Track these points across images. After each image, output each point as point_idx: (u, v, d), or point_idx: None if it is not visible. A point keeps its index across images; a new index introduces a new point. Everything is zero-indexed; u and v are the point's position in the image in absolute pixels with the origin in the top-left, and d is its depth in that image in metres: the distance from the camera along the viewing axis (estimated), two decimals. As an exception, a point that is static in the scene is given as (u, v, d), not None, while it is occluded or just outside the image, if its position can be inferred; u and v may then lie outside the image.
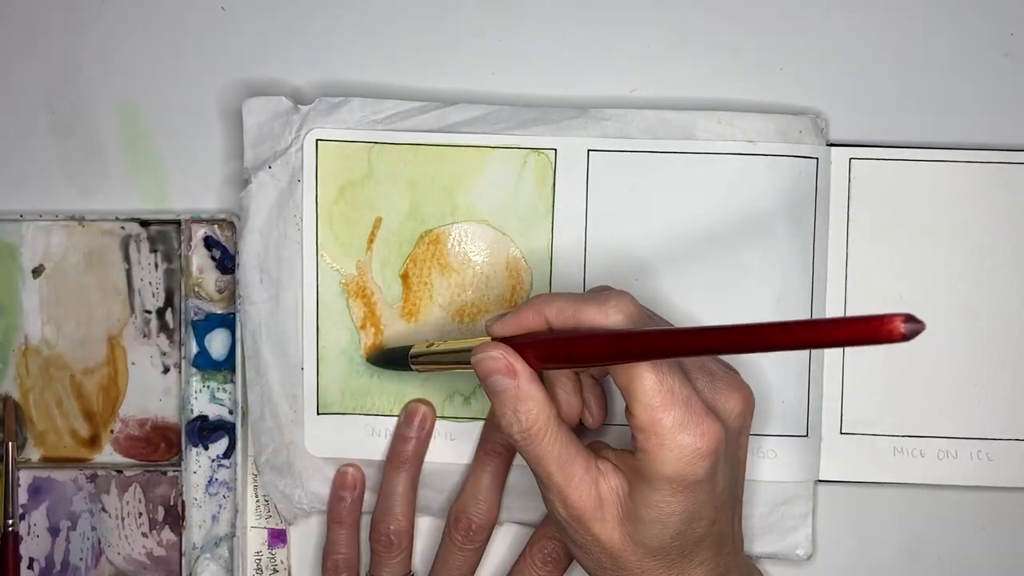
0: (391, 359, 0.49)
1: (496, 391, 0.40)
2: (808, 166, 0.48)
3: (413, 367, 0.46)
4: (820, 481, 0.50)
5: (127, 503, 0.52)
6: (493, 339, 0.42)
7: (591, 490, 0.40)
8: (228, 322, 0.51)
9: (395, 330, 0.49)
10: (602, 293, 0.40)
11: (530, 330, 0.41)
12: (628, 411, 0.39)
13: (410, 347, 0.47)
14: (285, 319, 0.49)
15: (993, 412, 0.49)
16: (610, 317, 0.39)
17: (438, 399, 0.50)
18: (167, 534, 0.52)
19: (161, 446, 0.52)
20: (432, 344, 0.46)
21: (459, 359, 0.44)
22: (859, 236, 0.49)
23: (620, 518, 0.40)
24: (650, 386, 0.38)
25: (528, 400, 0.40)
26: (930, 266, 0.49)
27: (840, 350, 0.49)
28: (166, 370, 0.52)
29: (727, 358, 0.43)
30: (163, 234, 0.51)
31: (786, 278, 0.48)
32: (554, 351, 0.40)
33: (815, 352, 0.49)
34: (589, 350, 0.38)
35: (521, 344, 0.41)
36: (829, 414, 0.49)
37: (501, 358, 0.40)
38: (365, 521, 0.50)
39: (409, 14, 0.51)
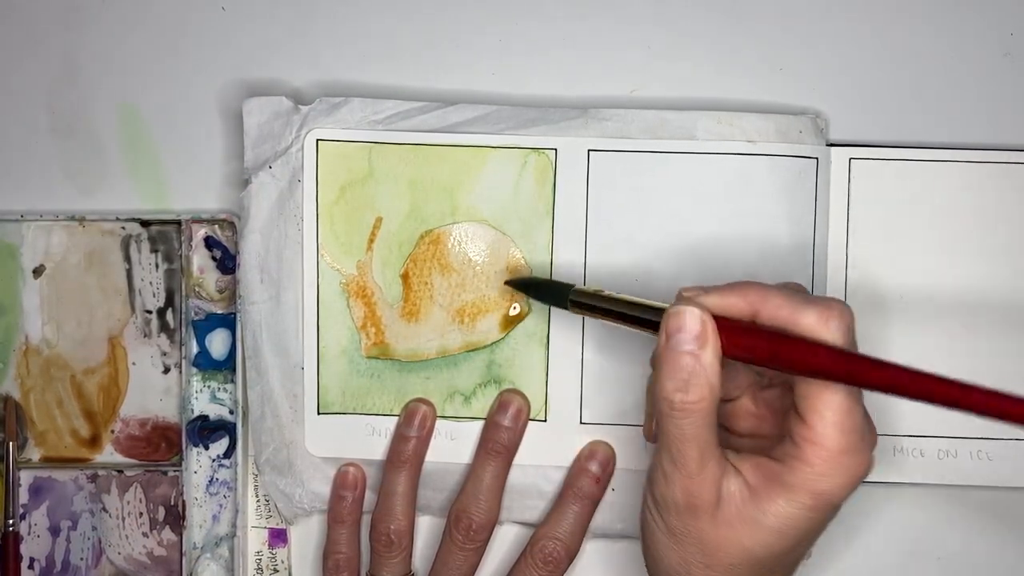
0: (541, 289, 0.47)
1: (677, 350, 0.38)
2: (808, 166, 0.48)
3: (571, 308, 0.44)
4: (820, 481, 0.50)
5: (128, 503, 0.52)
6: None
7: (716, 485, 0.39)
8: (229, 322, 0.51)
9: (395, 330, 0.49)
10: (823, 300, 0.38)
11: (729, 314, 0.39)
12: (799, 419, 0.38)
13: (571, 285, 0.45)
14: (285, 319, 0.49)
15: (993, 412, 0.49)
16: (832, 330, 0.37)
17: (438, 399, 0.50)
18: (168, 534, 0.52)
19: (162, 446, 0.52)
20: (602, 290, 0.43)
21: (633, 315, 0.41)
22: (859, 236, 0.49)
23: (734, 519, 0.39)
24: (841, 407, 0.37)
25: (705, 374, 0.38)
26: (930, 266, 0.49)
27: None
28: (167, 370, 0.52)
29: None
30: (163, 234, 0.51)
31: (786, 278, 0.48)
32: (767, 348, 0.38)
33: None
34: (807, 359, 0.37)
35: (724, 324, 0.38)
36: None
37: (700, 322, 0.38)
38: (365, 521, 0.50)
39: (409, 14, 0.51)
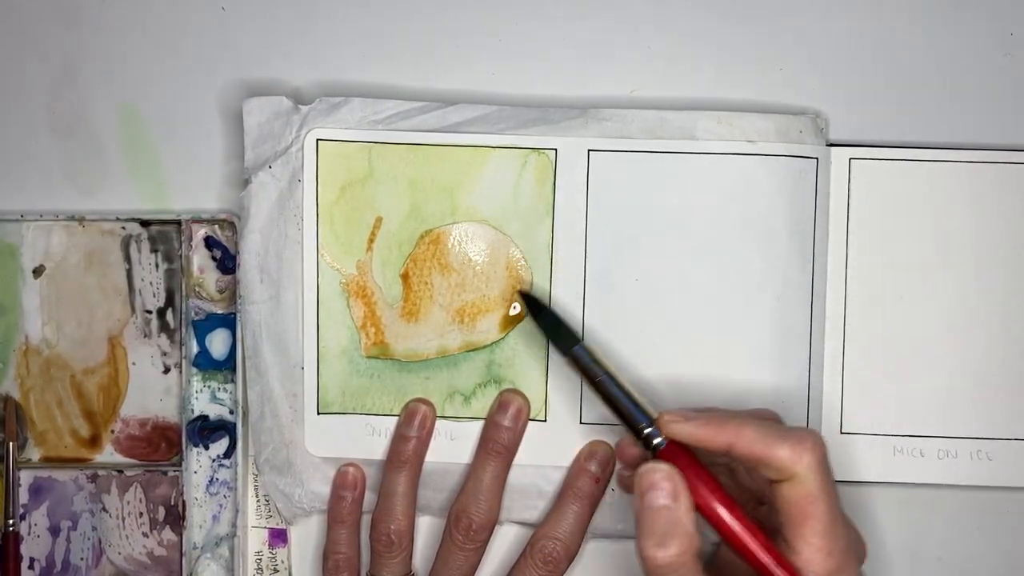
0: (548, 321, 0.47)
1: (650, 507, 0.40)
2: (808, 166, 0.48)
3: (567, 359, 0.45)
4: (820, 481, 0.50)
5: (128, 503, 0.52)
6: (667, 437, 0.41)
7: None
8: (229, 322, 0.51)
9: (395, 330, 0.49)
10: (796, 433, 0.40)
11: (707, 447, 0.40)
12: (786, 544, 0.40)
13: (579, 339, 0.45)
14: (285, 319, 0.49)
15: (993, 412, 0.49)
16: (805, 464, 0.39)
17: (438, 399, 0.50)
18: (168, 534, 0.52)
19: (162, 446, 0.52)
20: (601, 361, 0.44)
21: (619, 410, 0.43)
22: (859, 236, 0.49)
23: None
24: (824, 530, 0.39)
25: (681, 529, 0.39)
26: (930, 266, 0.49)
27: (840, 349, 0.49)
28: (167, 370, 0.52)
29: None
30: (164, 234, 0.51)
31: (786, 278, 0.48)
32: (714, 516, 0.40)
33: (815, 352, 0.49)
34: (739, 548, 0.40)
35: (691, 472, 0.40)
36: (829, 414, 0.49)
37: (670, 476, 0.40)
38: (365, 521, 0.50)
39: (409, 14, 0.51)
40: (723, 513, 0.40)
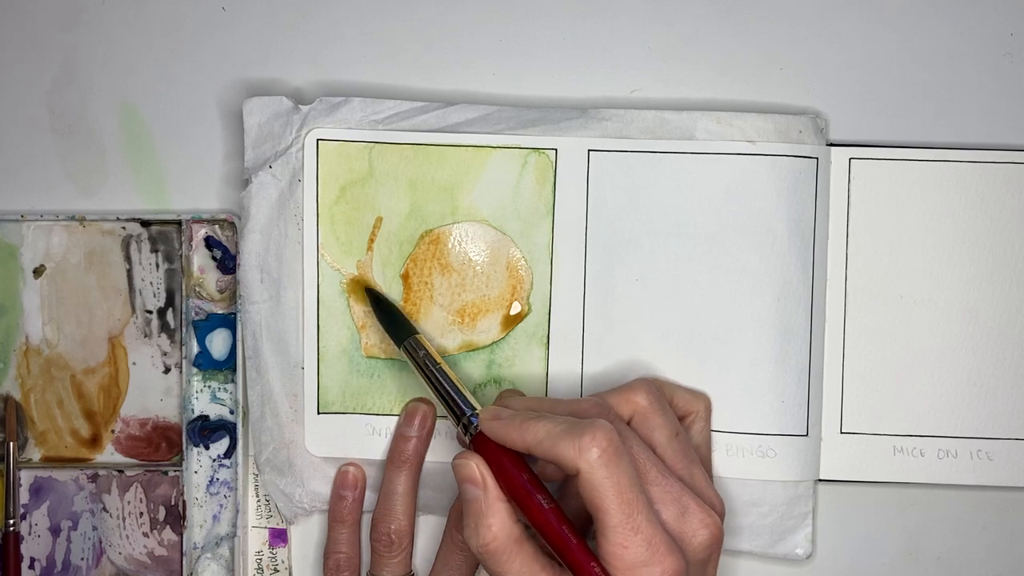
0: (387, 314, 0.48)
1: (465, 499, 0.41)
2: (808, 166, 0.48)
3: (403, 351, 0.47)
4: (820, 481, 0.50)
5: (128, 503, 0.52)
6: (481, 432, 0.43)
7: None
8: (229, 322, 0.51)
9: (395, 330, 0.49)
10: (580, 426, 0.40)
11: (515, 447, 0.41)
12: (595, 535, 0.39)
13: (414, 331, 0.47)
14: (286, 319, 0.49)
15: (993, 412, 0.49)
16: (584, 457, 0.39)
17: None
18: (168, 534, 0.52)
19: (162, 446, 0.52)
20: (431, 350, 0.46)
21: (445, 395, 0.45)
22: (859, 236, 0.49)
23: None
24: (616, 523, 0.39)
25: (491, 516, 0.41)
26: (930, 266, 0.49)
27: (840, 349, 0.49)
28: (167, 370, 0.52)
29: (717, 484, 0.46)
30: (164, 234, 0.51)
31: (786, 278, 0.48)
32: (514, 498, 0.41)
33: (815, 352, 0.49)
34: (539, 530, 0.41)
35: (501, 462, 0.41)
36: (829, 414, 0.49)
37: (474, 468, 0.41)
38: (366, 520, 0.50)
39: (409, 14, 0.51)
40: (525, 498, 0.41)
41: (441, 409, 0.45)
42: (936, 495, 0.50)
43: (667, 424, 0.44)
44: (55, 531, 0.52)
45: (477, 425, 0.43)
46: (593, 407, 0.43)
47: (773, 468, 0.49)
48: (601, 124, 0.49)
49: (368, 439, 0.50)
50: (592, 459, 0.39)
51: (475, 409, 0.44)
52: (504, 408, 0.43)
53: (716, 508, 0.43)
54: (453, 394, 0.45)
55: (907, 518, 0.50)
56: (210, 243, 0.51)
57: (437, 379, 0.45)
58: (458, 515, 0.48)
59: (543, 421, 0.41)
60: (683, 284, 0.49)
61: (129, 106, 0.51)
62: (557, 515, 0.40)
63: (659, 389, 0.45)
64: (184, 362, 0.51)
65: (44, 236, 0.51)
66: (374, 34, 0.51)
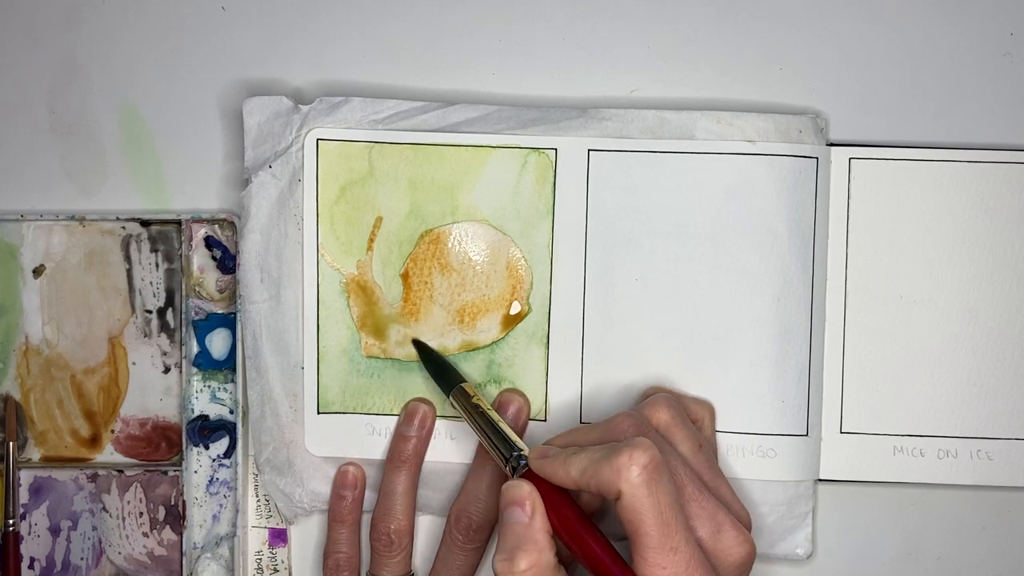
0: (435, 365, 0.49)
1: (507, 522, 0.40)
2: (808, 166, 0.48)
3: (451, 399, 0.47)
4: (820, 481, 0.50)
5: (128, 503, 0.52)
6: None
7: None
8: (229, 322, 0.51)
9: (396, 330, 0.49)
10: (620, 448, 0.39)
11: (562, 483, 0.40)
12: (631, 549, 0.39)
13: (462, 381, 0.47)
14: (285, 318, 0.49)
15: (993, 412, 0.49)
16: (624, 476, 0.38)
17: (439, 398, 0.50)
18: (168, 534, 0.52)
19: (162, 446, 0.52)
20: (479, 397, 0.46)
21: (493, 437, 0.44)
22: (859, 236, 0.49)
23: None
24: (656, 544, 0.38)
25: (533, 543, 0.39)
26: (930, 266, 0.49)
27: (840, 349, 0.49)
28: (167, 370, 0.52)
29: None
30: (164, 234, 0.51)
31: (786, 278, 0.48)
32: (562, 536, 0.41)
33: (815, 352, 0.49)
34: (590, 567, 0.40)
35: (552, 498, 0.41)
36: (829, 414, 0.49)
37: (525, 491, 0.40)
38: (365, 520, 0.50)
39: (409, 14, 0.51)
40: (578, 535, 0.40)
41: (491, 452, 0.45)
42: (936, 495, 0.50)
43: (690, 437, 0.43)
44: (55, 531, 0.52)
45: (525, 465, 0.42)
46: (627, 420, 0.42)
47: (773, 468, 0.49)
48: (601, 124, 0.49)
49: (368, 439, 0.50)
50: (632, 478, 0.38)
51: (522, 450, 0.43)
52: (550, 447, 0.42)
53: (744, 521, 0.43)
54: (501, 437, 0.44)
55: (907, 518, 0.50)
56: (210, 243, 0.51)
57: (486, 423, 0.45)
58: (457, 515, 0.48)
59: (585, 451, 0.40)
60: (683, 284, 0.49)
61: (129, 106, 0.51)
62: (611, 551, 0.40)
63: (678, 401, 0.45)
64: (184, 362, 0.51)
65: (44, 236, 0.51)
66: (374, 34, 0.51)
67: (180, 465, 0.51)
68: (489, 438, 0.45)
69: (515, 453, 0.43)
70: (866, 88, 0.50)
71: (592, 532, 0.40)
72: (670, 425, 0.43)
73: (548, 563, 0.39)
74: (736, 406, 0.48)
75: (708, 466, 0.43)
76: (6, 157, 0.51)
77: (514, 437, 0.44)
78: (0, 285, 0.51)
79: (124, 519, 0.52)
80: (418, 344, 0.49)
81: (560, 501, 0.41)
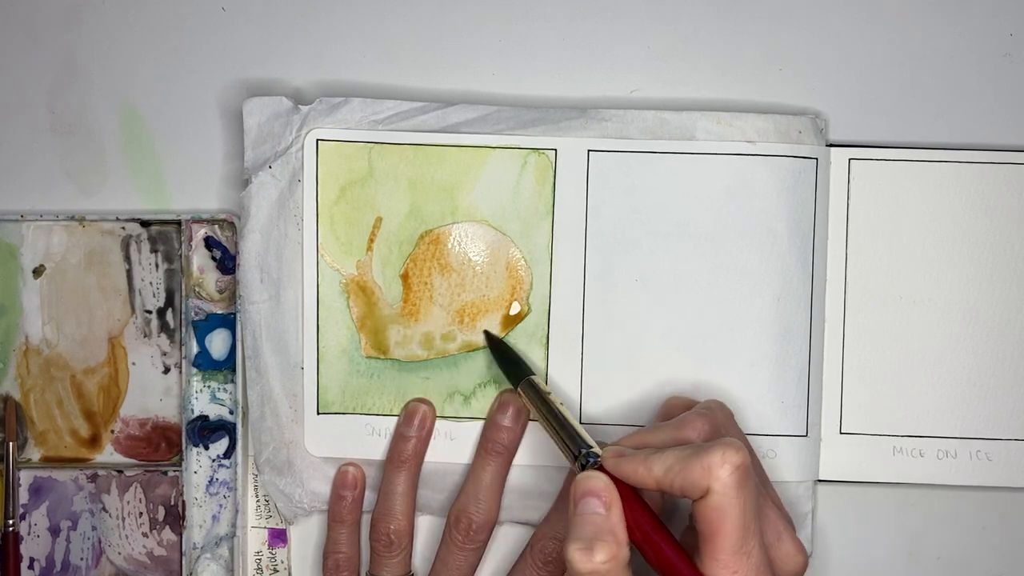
0: (506, 357, 0.48)
1: (581, 512, 0.40)
2: (808, 166, 0.48)
3: (520, 390, 0.47)
4: (820, 481, 0.50)
5: (128, 503, 0.52)
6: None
7: None
8: (229, 322, 0.51)
9: (396, 330, 0.49)
10: (712, 447, 0.39)
11: (640, 482, 0.40)
12: (703, 549, 0.39)
13: (531, 373, 0.47)
14: (285, 319, 0.49)
15: (993, 412, 0.49)
16: (716, 475, 0.38)
17: (438, 399, 0.50)
18: (167, 534, 0.52)
19: (162, 446, 0.52)
20: (551, 393, 0.46)
21: (559, 436, 0.44)
22: (859, 236, 0.49)
23: None
24: (732, 547, 0.38)
25: (612, 535, 0.39)
26: (930, 266, 0.49)
27: (840, 349, 0.49)
28: (167, 370, 0.52)
29: None
30: (164, 234, 0.51)
31: (786, 278, 0.48)
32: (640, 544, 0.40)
33: (815, 352, 0.49)
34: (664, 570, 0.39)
35: (625, 497, 0.40)
36: (829, 414, 0.49)
37: (603, 483, 0.40)
38: (365, 520, 0.50)
39: (409, 14, 0.51)
40: (651, 535, 0.40)
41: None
42: (936, 495, 0.50)
43: (747, 443, 0.44)
44: (55, 531, 0.52)
45: (596, 462, 0.42)
46: (700, 420, 0.42)
47: (773, 468, 0.49)
48: (601, 124, 0.49)
49: (368, 439, 0.50)
50: (724, 477, 0.38)
51: (591, 447, 0.43)
52: (624, 447, 0.42)
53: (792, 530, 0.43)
54: (570, 432, 0.44)
55: (907, 518, 0.50)
56: (210, 243, 0.51)
57: (554, 417, 0.45)
58: (457, 515, 0.48)
59: (668, 451, 0.40)
60: (683, 284, 0.49)
61: (129, 106, 0.51)
62: (683, 552, 0.39)
63: (726, 406, 0.45)
64: (184, 362, 0.51)
65: (44, 236, 0.51)
66: (374, 34, 0.51)
67: (180, 465, 0.51)
68: (557, 432, 0.44)
69: (584, 450, 0.42)
70: (866, 88, 0.50)
71: (665, 532, 0.40)
72: (731, 430, 0.43)
73: (624, 559, 0.39)
74: (736, 406, 0.48)
75: (763, 473, 0.43)
76: (6, 157, 0.51)
77: (584, 433, 0.43)
78: (0, 285, 0.51)
79: (124, 519, 0.52)
80: (488, 335, 0.49)
81: (632, 499, 0.40)
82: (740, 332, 0.48)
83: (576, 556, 0.38)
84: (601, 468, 0.41)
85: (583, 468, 0.42)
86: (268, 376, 0.49)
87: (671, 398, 0.48)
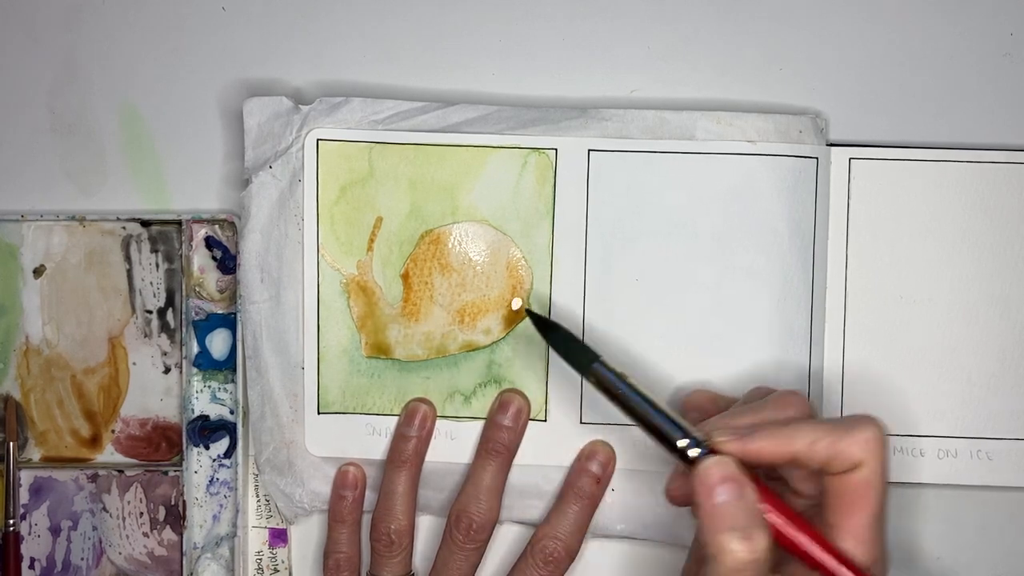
0: (561, 340, 0.44)
1: (731, 499, 0.38)
2: (808, 166, 0.48)
3: (589, 379, 0.43)
4: (820, 480, 0.50)
5: (128, 503, 0.52)
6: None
7: None
8: (229, 322, 0.51)
9: (396, 330, 0.49)
10: (854, 421, 0.39)
11: (773, 459, 0.39)
12: (839, 525, 0.39)
13: (597, 356, 0.42)
14: (286, 319, 0.49)
15: (993, 412, 0.49)
16: (871, 450, 0.38)
17: (438, 398, 0.50)
18: (168, 534, 0.52)
19: (162, 446, 0.52)
20: (627, 376, 0.42)
21: (653, 424, 0.41)
22: (859, 236, 0.49)
23: None
24: (869, 523, 0.39)
25: (761, 522, 0.38)
26: (930, 266, 0.49)
27: (840, 349, 0.49)
28: (167, 370, 0.52)
29: None
30: (164, 234, 0.51)
31: (786, 278, 0.48)
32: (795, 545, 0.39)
33: (814, 351, 0.49)
34: (801, 550, 0.39)
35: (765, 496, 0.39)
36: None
37: (735, 469, 0.38)
38: (366, 520, 0.50)
39: (409, 14, 0.51)
40: (786, 514, 0.39)
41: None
42: (936, 495, 0.50)
43: None
44: (55, 531, 0.52)
45: (701, 446, 0.40)
46: (793, 397, 0.42)
47: (773, 468, 0.49)
48: (601, 124, 0.49)
49: (368, 439, 0.50)
50: (878, 451, 0.38)
51: (687, 429, 0.40)
52: (733, 427, 0.40)
53: None
54: (663, 418, 0.41)
55: (907, 518, 0.50)
56: (210, 243, 0.51)
57: (638, 402, 0.41)
58: (457, 515, 0.48)
59: (804, 424, 0.39)
60: (683, 284, 0.49)
61: (129, 106, 0.51)
62: (816, 530, 0.39)
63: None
64: (184, 362, 0.51)
65: (44, 236, 0.51)
66: (374, 34, 0.51)
67: (180, 465, 0.51)
68: (640, 416, 0.41)
69: (691, 436, 0.40)
70: (866, 88, 0.50)
71: (791, 510, 0.39)
72: (817, 413, 0.43)
73: (770, 543, 0.38)
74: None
75: None
76: (6, 157, 0.51)
77: (675, 415, 0.40)
78: (0, 285, 0.51)
79: (124, 519, 0.52)
80: (535, 317, 0.46)
81: (757, 480, 0.39)
82: (740, 332, 0.48)
83: (737, 546, 0.37)
84: (712, 451, 0.39)
85: (682, 455, 0.40)
86: (268, 376, 0.49)
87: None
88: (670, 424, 0.40)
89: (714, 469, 0.39)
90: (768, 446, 0.39)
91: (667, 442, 0.40)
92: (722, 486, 0.38)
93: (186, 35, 0.51)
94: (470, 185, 0.49)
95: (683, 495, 0.42)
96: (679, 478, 0.42)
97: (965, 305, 0.49)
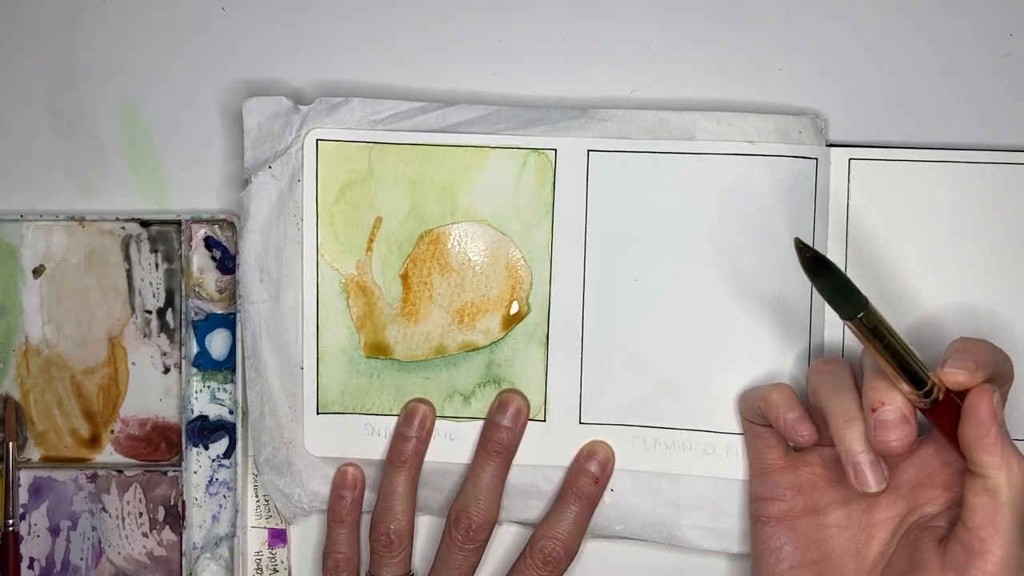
0: (829, 282, 0.42)
1: (998, 424, 0.41)
2: (808, 166, 0.48)
3: (853, 324, 0.41)
4: (820, 481, 0.50)
5: (127, 503, 0.52)
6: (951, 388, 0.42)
7: None
8: (228, 322, 0.51)
9: (395, 330, 0.49)
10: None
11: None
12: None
13: (866, 302, 0.41)
14: (285, 319, 0.49)
15: (993, 412, 0.49)
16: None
17: (438, 398, 0.50)
18: (167, 534, 0.52)
19: (161, 446, 0.52)
20: (892, 328, 0.41)
21: (910, 367, 0.41)
22: (859, 236, 0.49)
23: None
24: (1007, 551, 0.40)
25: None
26: (930, 266, 0.49)
27: (840, 346, 0.49)
28: (166, 370, 0.52)
29: None
30: (163, 234, 0.51)
31: (786, 278, 0.48)
32: None
33: (815, 352, 0.49)
34: None
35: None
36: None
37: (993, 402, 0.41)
38: (365, 520, 0.50)
39: (409, 14, 0.51)
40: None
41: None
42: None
43: None
44: (54, 531, 0.52)
45: (931, 396, 0.41)
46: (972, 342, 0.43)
47: (773, 468, 0.49)
48: (601, 124, 0.49)
49: (367, 439, 0.50)
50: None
51: (928, 378, 0.41)
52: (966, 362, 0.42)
53: None
54: (914, 364, 0.41)
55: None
56: (210, 243, 0.51)
57: (896, 348, 0.41)
58: (457, 515, 0.48)
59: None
60: (683, 284, 0.49)
61: (129, 106, 0.51)
62: None
63: None
64: (183, 362, 0.51)
65: (44, 236, 0.51)
66: (374, 34, 0.51)
67: (180, 465, 0.51)
68: (902, 360, 0.41)
69: (929, 382, 0.41)
70: (866, 88, 0.50)
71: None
72: None
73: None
74: (736, 406, 0.48)
75: None
76: (6, 157, 0.51)
77: (923, 363, 0.42)
78: (0, 285, 0.51)
79: (124, 519, 0.52)
80: (806, 250, 0.42)
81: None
82: (740, 332, 0.48)
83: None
84: (940, 405, 0.42)
85: (927, 396, 0.41)
86: (268, 376, 0.49)
87: (777, 386, 0.47)
88: (920, 367, 0.42)
89: (988, 400, 0.41)
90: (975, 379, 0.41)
91: (917, 382, 0.41)
92: (992, 413, 0.41)
93: (186, 35, 0.51)
94: (469, 185, 0.49)
95: (811, 434, 0.45)
96: (804, 421, 0.45)
97: (965, 305, 0.49)
